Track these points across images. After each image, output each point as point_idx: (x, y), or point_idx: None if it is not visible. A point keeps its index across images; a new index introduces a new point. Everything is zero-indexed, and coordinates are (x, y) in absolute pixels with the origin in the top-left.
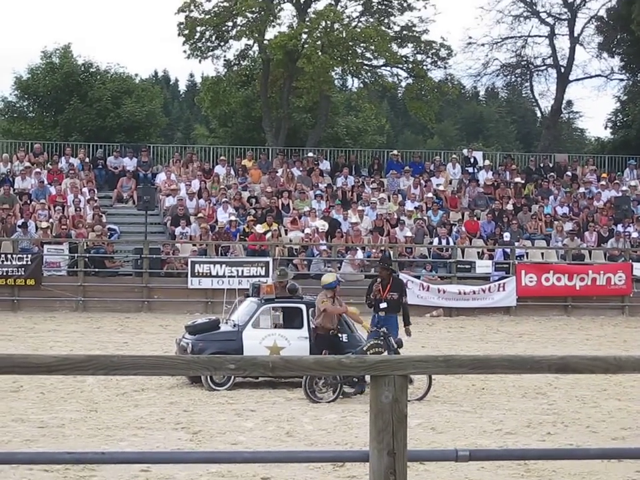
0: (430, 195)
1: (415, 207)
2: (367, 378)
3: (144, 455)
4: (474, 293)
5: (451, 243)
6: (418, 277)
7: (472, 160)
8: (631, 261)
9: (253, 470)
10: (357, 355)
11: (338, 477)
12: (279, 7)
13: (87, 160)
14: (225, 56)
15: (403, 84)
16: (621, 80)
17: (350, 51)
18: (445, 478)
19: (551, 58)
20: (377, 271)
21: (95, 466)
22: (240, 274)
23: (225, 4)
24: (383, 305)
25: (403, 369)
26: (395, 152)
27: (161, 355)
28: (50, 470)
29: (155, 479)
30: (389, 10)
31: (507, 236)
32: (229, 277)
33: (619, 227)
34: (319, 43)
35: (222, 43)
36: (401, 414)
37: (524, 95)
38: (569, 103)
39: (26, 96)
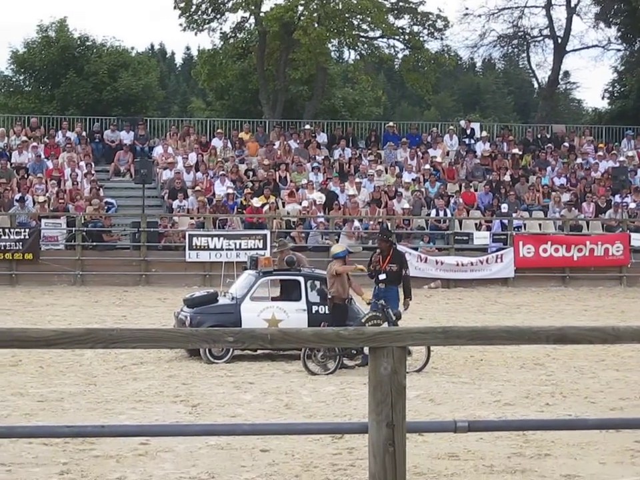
0: (427, 166)
1: (413, 179)
2: (366, 350)
3: (143, 428)
4: (472, 264)
5: (449, 215)
6: (416, 249)
7: (469, 131)
8: (628, 231)
9: (252, 442)
10: (355, 327)
11: (337, 448)
12: None
13: (84, 134)
14: (221, 29)
15: (400, 55)
16: (618, 50)
17: (346, 23)
18: (444, 449)
19: (548, 29)
20: (375, 243)
21: (94, 439)
22: (238, 247)
23: None
24: (382, 277)
25: (402, 341)
26: (391, 123)
27: (159, 328)
28: (49, 444)
29: (154, 451)
30: None
31: (504, 207)
32: (226, 249)
33: (617, 198)
34: (315, 14)
35: (218, 16)
36: (400, 385)
37: (521, 66)
38: (566, 73)
39: (22, 70)
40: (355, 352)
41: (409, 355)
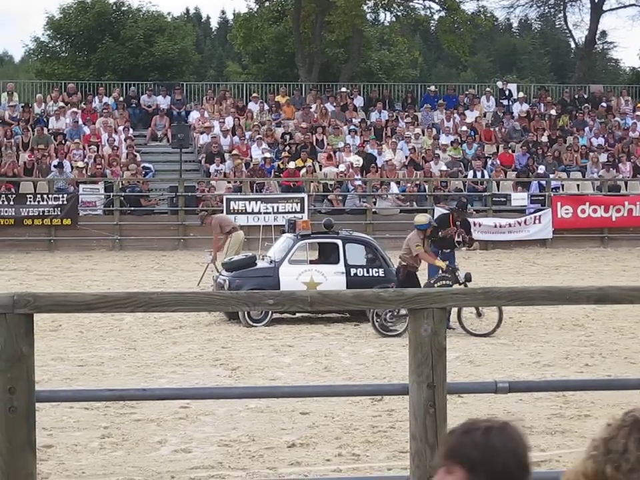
0: (464, 128)
1: (451, 141)
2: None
3: (184, 391)
4: (510, 225)
5: (486, 176)
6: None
7: (506, 92)
8: None
9: (292, 405)
10: (395, 289)
11: (376, 411)
12: None
13: (121, 99)
14: None
15: (436, 17)
16: None
17: None
18: (483, 411)
19: None
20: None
21: (134, 403)
22: (275, 210)
23: None
24: (458, 241)
25: (442, 302)
26: (433, 87)
27: (199, 292)
28: (90, 408)
29: (195, 415)
30: None
31: (541, 168)
32: (264, 213)
33: None
34: None
35: None
36: (440, 347)
37: (557, 26)
38: (603, 33)
39: (58, 36)
40: None
41: (479, 317)
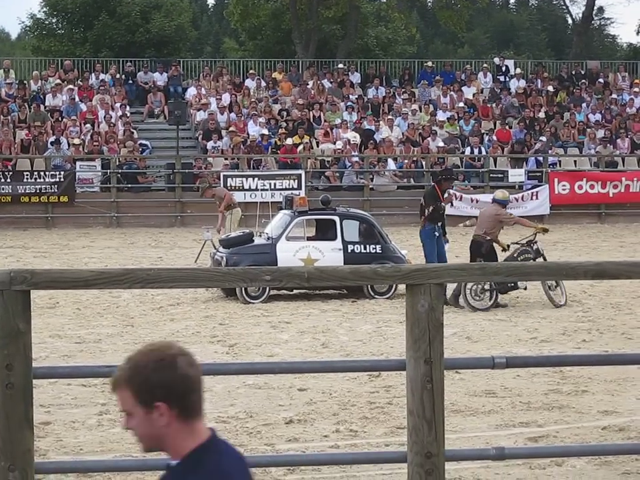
0: (461, 104)
1: (447, 118)
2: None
3: None
4: None
5: (483, 152)
6: (451, 187)
7: (503, 68)
8: None
9: (290, 382)
10: (392, 265)
11: (374, 387)
12: None
13: (118, 76)
14: None
15: None
16: None
17: None
18: (481, 386)
19: None
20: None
21: None
22: (272, 187)
23: None
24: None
25: (439, 278)
26: (430, 63)
27: (197, 268)
28: (88, 385)
29: None
30: None
31: (541, 140)
32: (261, 190)
33: None
34: None
35: None
36: (437, 322)
37: (554, 2)
38: (600, 9)
39: (55, 13)
40: (512, 285)
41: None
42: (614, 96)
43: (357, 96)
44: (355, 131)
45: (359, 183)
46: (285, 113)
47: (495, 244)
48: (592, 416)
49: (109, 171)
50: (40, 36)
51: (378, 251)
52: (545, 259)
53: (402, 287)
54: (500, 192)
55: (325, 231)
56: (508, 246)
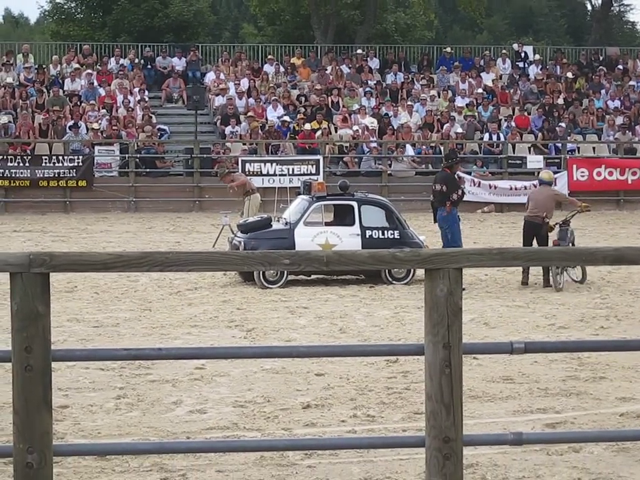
0: (480, 90)
1: (466, 104)
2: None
3: (200, 351)
4: (525, 188)
5: (502, 139)
6: (469, 173)
7: (522, 55)
8: None
9: (307, 366)
10: (411, 249)
11: (392, 372)
12: None
13: (137, 60)
14: None
15: None
16: None
17: None
18: (499, 372)
19: None
20: (448, 168)
21: (150, 364)
22: (291, 172)
23: None
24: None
25: (457, 262)
26: (449, 49)
27: (216, 251)
28: (106, 369)
29: (210, 376)
30: None
31: (561, 126)
32: (279, 175)
33: None
34: None
35: None
36: (456, 307)
37: None
38: None
39: None
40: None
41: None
42: (633, 83)
43: (375, 81)
44: (373, 117)
45: (377, 169)
46: (303, 99)
47: None
48: (610, 402)
49: (127, 155)
50: (59, 20)
51: (396, 237)
52: (573, 244)
53: (419, 273)
54: (545, 173)
55: (343, 217)
56: (552, 227)
